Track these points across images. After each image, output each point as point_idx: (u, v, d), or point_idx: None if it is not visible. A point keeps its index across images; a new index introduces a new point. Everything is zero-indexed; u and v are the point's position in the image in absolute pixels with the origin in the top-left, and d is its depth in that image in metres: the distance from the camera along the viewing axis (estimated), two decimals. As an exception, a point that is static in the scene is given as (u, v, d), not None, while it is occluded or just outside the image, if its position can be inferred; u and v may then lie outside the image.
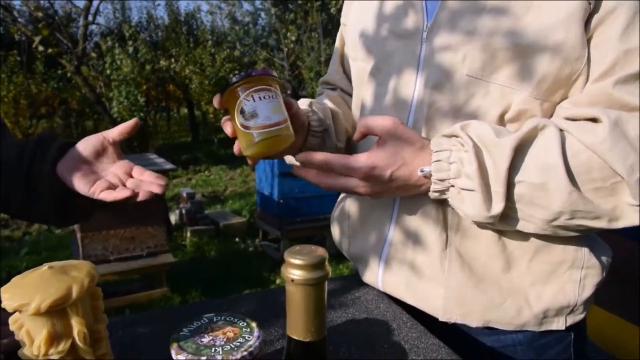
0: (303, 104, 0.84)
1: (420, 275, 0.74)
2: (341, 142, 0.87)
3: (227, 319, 0.64)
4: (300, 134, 0.77)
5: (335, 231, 0.94)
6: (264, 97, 0.65)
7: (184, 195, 4.70)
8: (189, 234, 4.29)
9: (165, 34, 12.54)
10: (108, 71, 8.45)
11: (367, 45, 0.80)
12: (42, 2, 7.67)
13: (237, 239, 4.33)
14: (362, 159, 0.63)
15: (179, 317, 0.77)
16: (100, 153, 0.69)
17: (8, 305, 0.47)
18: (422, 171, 0.64)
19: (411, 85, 0.72)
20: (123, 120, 8.08)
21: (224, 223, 4.45)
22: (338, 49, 0.97)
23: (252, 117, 0.64)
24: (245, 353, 0.54)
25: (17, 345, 0.49)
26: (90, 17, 5.18)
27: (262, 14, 10.72)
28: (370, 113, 0.80)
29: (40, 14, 5.16)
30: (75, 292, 0.48)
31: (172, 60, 10.22)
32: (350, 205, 0.86)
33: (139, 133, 8.67)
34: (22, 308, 0.46)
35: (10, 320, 0.49)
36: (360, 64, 0.82)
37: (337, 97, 0.94)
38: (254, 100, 0.64)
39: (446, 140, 0.63)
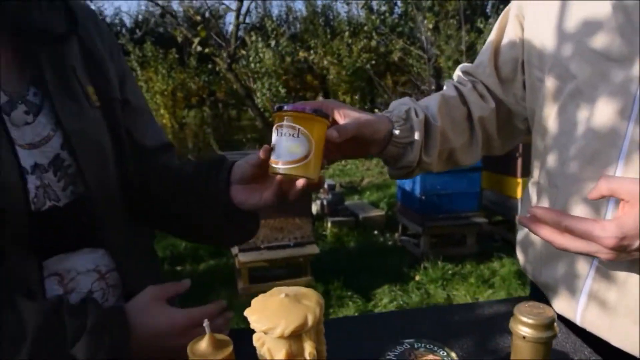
0: (400, 108, 0.82)
1: (628, 315, 0.69)
2: (430, 157, 0.83)
3: (428, 346, 0.66)
4: (375, 145, 0.78)
5: (520, 255, 0.91)
6: (284, 134, 0.68)
7: (326, 186, 4.87)
8: (329, 225, 4.45)
9: (303, 26, 13.01)
10: (252, 64, 9.03)
11: (560, 60, 0.73)
12: (195, 2, 8.49)
13: (375, 232, 4.39)
14: (610, 228, 0.58)
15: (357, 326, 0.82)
16: (257, 174, 0.76)
17: (257, 327, 0.55)
18: None
19: (623, 118, 0.65)
20: (267, 110, 8.60)
21: (364, 215, 4.54)
22: (494, 41, 0.90)
23: (273, 149, 0.69)
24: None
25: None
26: (240, 18, 5.56)
27: (399, 2, 10.58)
28: (557, 140, 0.75)
29: (198, 17, 5.68)
30: (310, 321, 0.55)
31: (311, 52, 10.57)
32: None
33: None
34: (268, 331, 0.54)
35: (255, 337, 0.57)
36: (547, 80, 0.77)
37: (454, 101, 0.88)
38: (277, 134, 0.69)
39: None
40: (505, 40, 0.88)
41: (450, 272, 3.50)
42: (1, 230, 0.61)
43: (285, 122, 0.68)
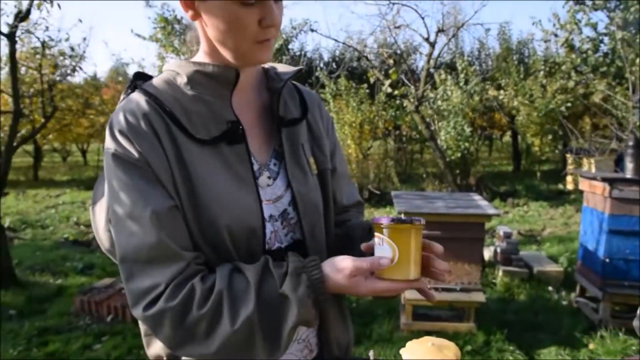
0: None
1: None
2: None
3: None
4: None
5: None
6: (375, 244, 0.84)
7: (501, 233, 4.82)
8: (500, 273, 4.40)
9: (495, 64, 12.73)
10: (439, 102, 9.19)
11: None
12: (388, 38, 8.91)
13: (550, 288, 4.21)
14: None
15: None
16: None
17: None
18: None
19: None
20: (450, 149, 8.67)
21: (539, 269, 4.39)
22: None
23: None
24: None
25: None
26: (431, 62, 5.85)
27: (605, 39, 9.75)
28: None
29: (391, 61, 6.13)
30: None
31: (501, 91, 10.32)
32: None
33: (462, 161, 9.15)
34: None
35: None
36: None
37: None
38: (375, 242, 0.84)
39: None
40: None
41: (633, 347, 3.22)
42: (243, 260, 0.90)
43: (375, 233, 0.84)
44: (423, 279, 0.86)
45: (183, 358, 0.89)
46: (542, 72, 9.91)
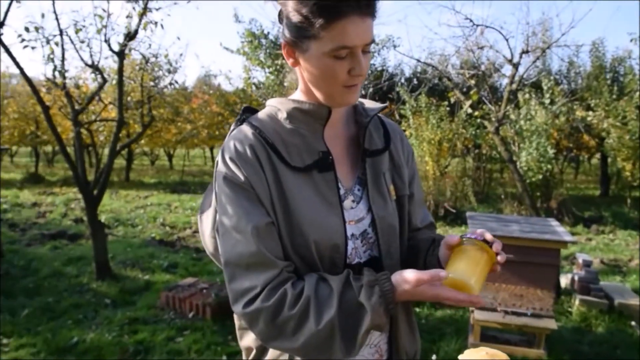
0: None
1: None
2: None
3: None
4: None
5: None
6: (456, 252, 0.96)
7: (580, 261, 4.64)
8: (577, 302, 4.24)
9: (585, 82, 12.11)
10: (522, 122, 8.92)
11: None
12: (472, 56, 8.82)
13: (633, 323, 4.00)
14: None
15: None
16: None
17: None
18: None
19: None
20: (530, 170, 8.38)
21: (620, 301, 4.18)
22: None
23: None
24: None
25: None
26: (514, 85, 5.76)
27: None
28: None
29: (472, 82, 6.09)
30: None
31: (590, 112, 9.82)
32: None
33: (544, 183, 8.80)
34: None
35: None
36: None
37: None
38: None
39: None
40: None
41: None
42: (326, 271, 1.04)
43: (458, 246, 0.98)
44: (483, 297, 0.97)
45: (270, 350, 1.05)
46: (638, 93, 9.31)
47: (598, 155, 13.96)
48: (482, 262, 0.94)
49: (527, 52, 5.57)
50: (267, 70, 12.67)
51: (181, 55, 6.41)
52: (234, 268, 0.96)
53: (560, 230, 3.35)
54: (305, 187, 1.00)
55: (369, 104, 1.15)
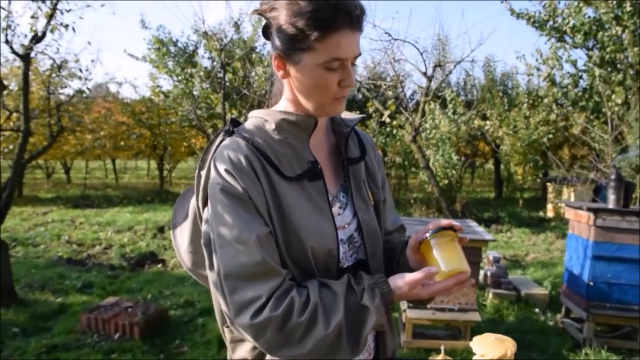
0: None
1: None
2: None
3: None
4: None
5: None
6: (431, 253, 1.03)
7: (491, 257, 5.06)
8: (490, 296, 4.62)
9: (480, 94, 13.20)
10: (428, 131, 9.53)
11: None
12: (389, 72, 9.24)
13: (537, 310, 4.44)
14: None
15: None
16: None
17: (485, 355, 1.00)
18: None
19: None
20: (437, 176, 8.96)
21: (526, 292, 4.62)
22: None
23: None
24: None
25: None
26: (429, 97, 6.15)
27: (584, 75, 10.23)
28: None
29: (390, 93, 6.42)
30: (509, 353, 0.99)
31: (487, 121, 10.71)
32: None
33: (448, 188, 9.45)
34: (484, 356, 0.99)
35: (474, 358, 1.01)
36: None
37: None
38: None
39: None
40: None
41: (616, 365, 3.44)
42: (321, 275, 1.07)
43: (425, 247, 1.04)
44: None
45: (267, 357, 1.05)
46: (525, 105, 10.33)
47: (492, 161, 15.22)
48: (456, 245, 1.01)
49: (440, 65, 5.99)
50: (175, 78, 12.31)
51: (93, 61, 6.04)
52: (235, 280, 0.95)
53: (480, 230, 3.65)
54: (298, 196, 1.03)
55: (346, 114, 1.20)
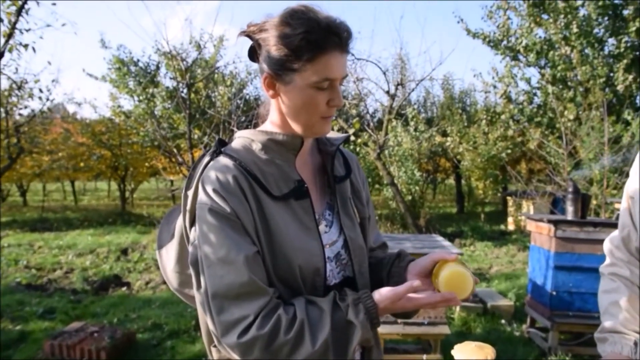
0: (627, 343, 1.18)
1: None
2: None
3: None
4: None
5: None
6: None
7: (456, 271, 5.16)
8: (457, 309, 4.72)
9: (440, 111, 13.58)
10: (391, 148, 9.71)
11: None
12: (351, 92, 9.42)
13: (503, 321, 4.56)
14: None
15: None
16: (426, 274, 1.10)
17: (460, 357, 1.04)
18: None
19: None
20: (400, 192, 9.14)
21: (492, 304, 4.74)
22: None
23: None
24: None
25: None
26: (393, 112, 6.30)
27: (538, 92, 10.71)
28: None
29: (353, 112, 6.55)
30: (489, 359, 1.02)
31: (448, 138, 11.00)
32: None
33: (412, 204, 9.63)
34: None
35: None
36: None
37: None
38: None
39: None
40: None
41: (579, 371, 3.57)
42: (308, 293, 1.09)
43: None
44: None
45: None
46: (484, 121, 10.67)
47: (453, 177, 15.60)
48: (469, 277, 1.01)
49: (401, 84, 6.17)
50: (136, 98, 12.14)
51: (53, 81, 5.92)
52: (222, 300, 0.95)
53: (447, 244, 3.74)
54: (285, 215, 1.04)
55: (331, 134, 1.23)
